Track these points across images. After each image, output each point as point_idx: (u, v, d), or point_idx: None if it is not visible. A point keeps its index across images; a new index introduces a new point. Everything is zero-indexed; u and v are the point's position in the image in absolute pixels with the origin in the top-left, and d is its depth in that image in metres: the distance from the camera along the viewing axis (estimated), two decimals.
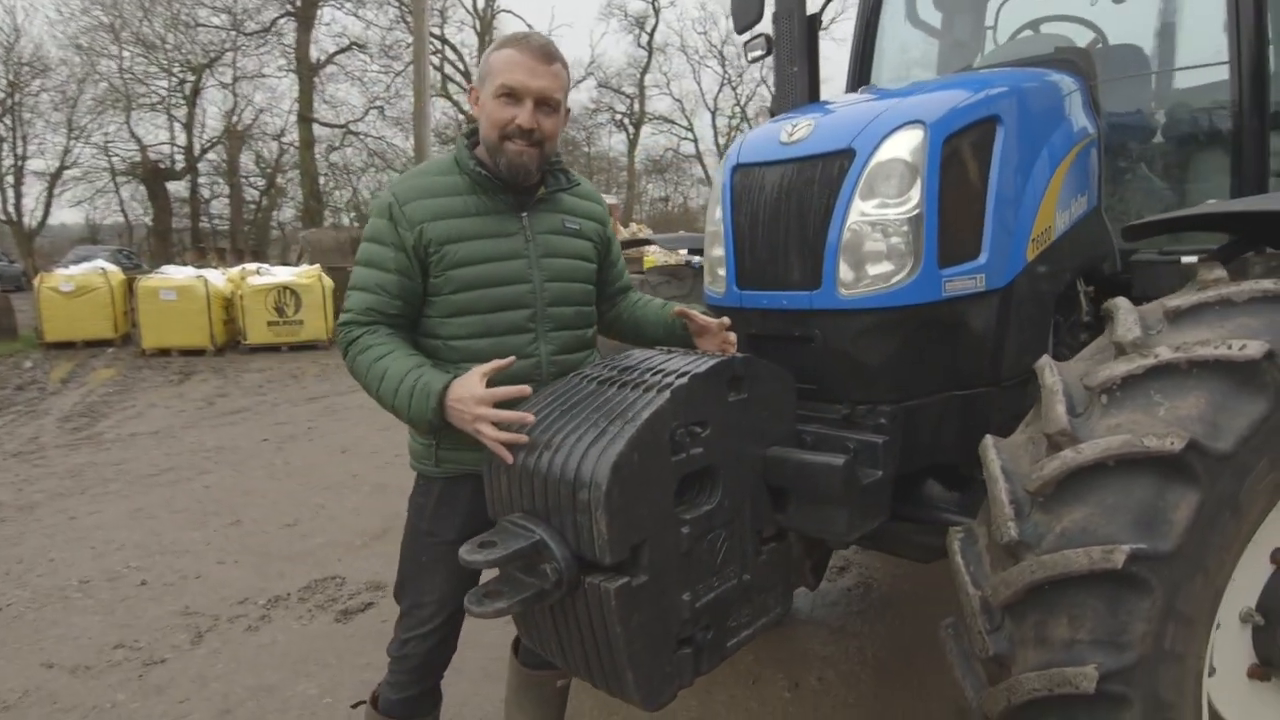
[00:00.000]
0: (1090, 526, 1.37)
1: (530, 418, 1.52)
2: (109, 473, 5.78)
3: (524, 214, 1.82)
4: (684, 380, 1.47)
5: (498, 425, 1.52)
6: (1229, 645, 1.58)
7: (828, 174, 1.83)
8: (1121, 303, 1.63)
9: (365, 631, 3.26)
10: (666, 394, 1.43)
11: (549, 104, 1.74)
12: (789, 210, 1.88)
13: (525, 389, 1.60)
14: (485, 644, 3.05)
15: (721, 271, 2.06)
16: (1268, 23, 2.47)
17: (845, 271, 1.80)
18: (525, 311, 1.79)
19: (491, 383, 1.59)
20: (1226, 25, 2.54)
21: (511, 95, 1.70)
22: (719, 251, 2.07)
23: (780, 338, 1.92)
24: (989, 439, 1.61)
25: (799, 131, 1.91)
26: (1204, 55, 2.99)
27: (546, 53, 1.72)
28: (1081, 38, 3.19)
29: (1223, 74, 2.61)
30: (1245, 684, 1.61)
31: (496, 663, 2.97)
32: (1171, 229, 1.84)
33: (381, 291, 1.73)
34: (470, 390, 1.55)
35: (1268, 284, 1.45)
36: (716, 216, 2.08)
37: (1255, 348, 1.33)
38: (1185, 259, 2.36)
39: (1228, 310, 1.47)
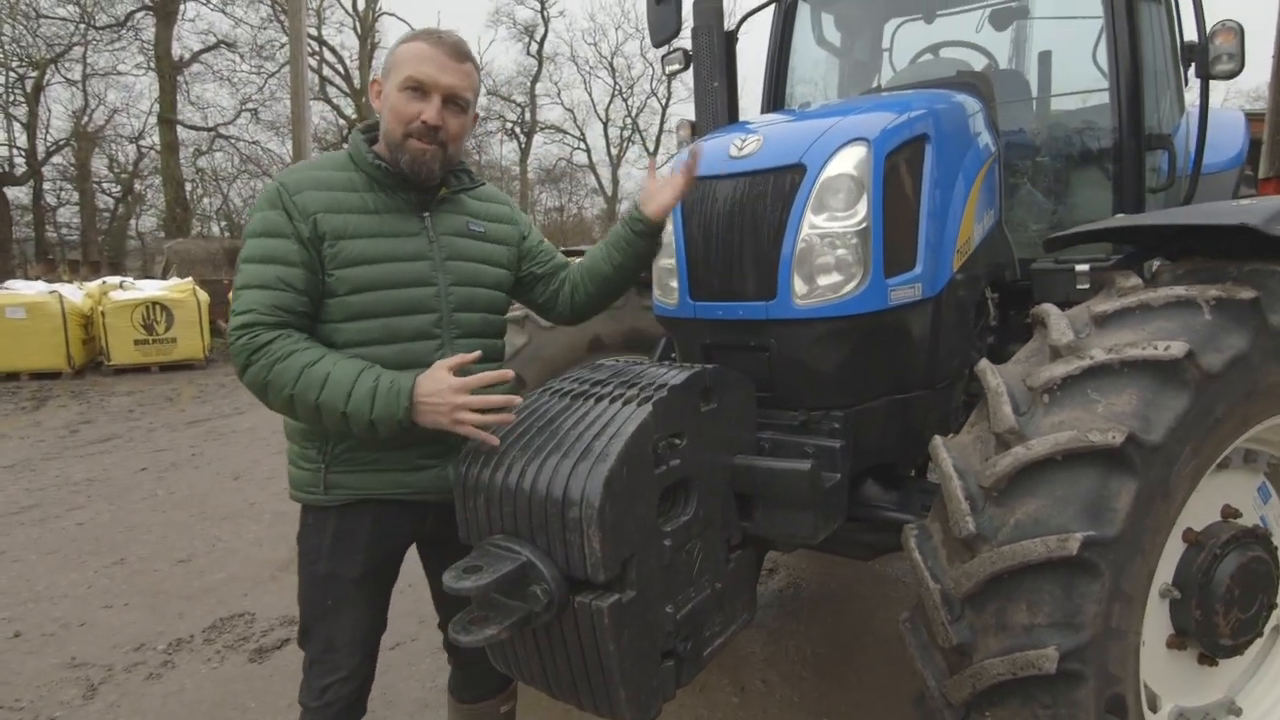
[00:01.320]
0: (1043, 517, 1.47)
1: (517, 399, 1.48)
2: None
3: (426, 214, 1.73)
4: (663, 392, 1.47)
5: (481, 412, 1.48)
6: (1151, 618, 1.73)
7: (779, 188, 1.88)
8: (1051, 309, 1.76)
9: (285, 670, 3.04)
10: (649, 406, 1.43)
11: (457, 102, 1.66)
12: (743, 223, 1.92)
13: (508, 373, 1.54)
14: (420, 673, 2.93)
15: (673, 283, 2.07)
16: (1142, 53, 2.74)
17: (799, 282, 1.86)
18: (430, 316, 1.69)
19: None
20: (1106, 55, 2.81)
21: (419, 89, 1.62)
22: (669, 263, 2.09)
23: (735, 347, 1.96)
24: (938, 439, 1.69)
25: (749, 146, 1.96)
26: (1078, 80, 3.30)
27: (459, 50, 1.66)
28: (975, 62, 3.44)
29: (1103, 99, 2.88)
30: (1165, 654, 1.78)
31: (432, 691, 2.85)
32: (1087, 240, 2.01)
33: (287, 287, 1.56)
34: (444, 382, 1.48)
35: (1180, 290, 1.62)
36: (667, 229, 2.09)
37: (1178, 347, 1.48)
38: (1079, 267, 2.58)
39: (1147, 314, 1.62)
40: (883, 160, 1.89)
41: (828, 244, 1.85)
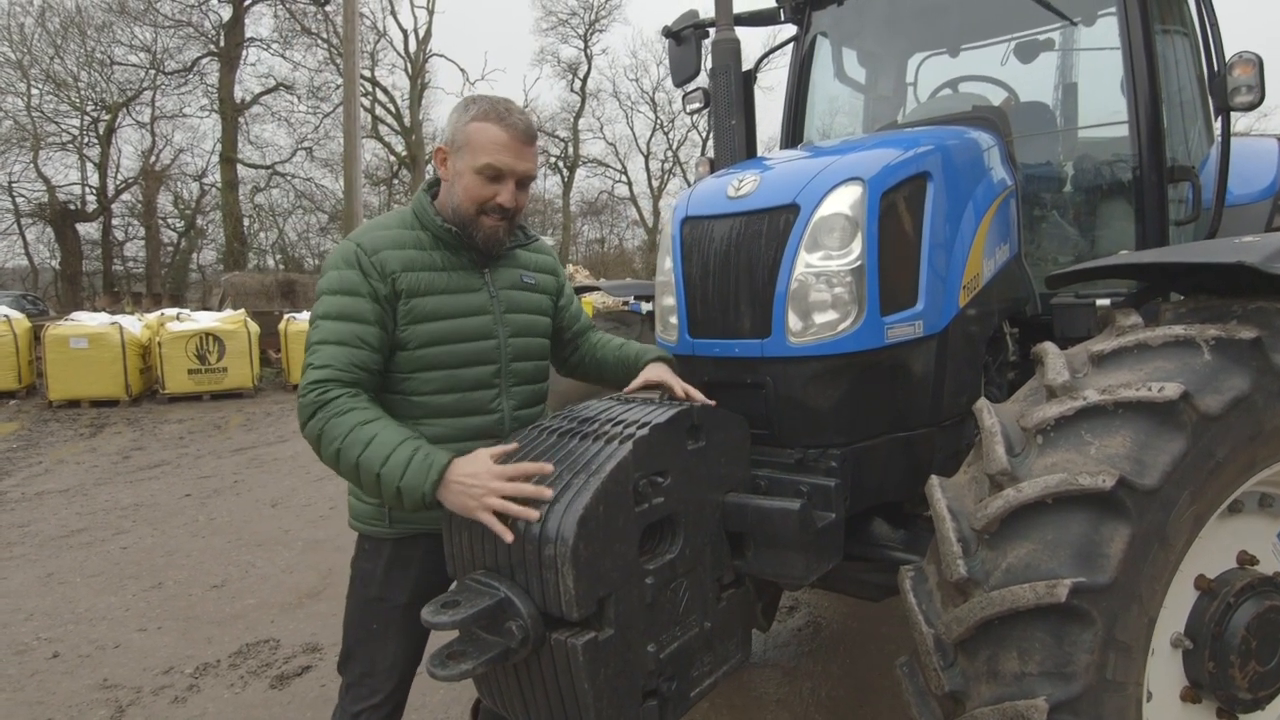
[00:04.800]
0: (1034, 562, 1.44)
1: (549, 492, 1.43)
2: (14, 535, 5.38)
3: (486, 270, 1.84)
4: (645, 431, 1.49)
5: (515, 500, 1.44)
6: (1162, 670, 1.67)
7: (774, 227, 1.90)
8: (1050, 348, 1.73)
9: (303, 698, 3.10)
10: (629, 445, 1.45)
11: (526, 182, 1.79)
12: (738, 262, 1.94)
13: (548, 466, 1.49)
14: (431, 705, 2.95)
15: (673, 320, 2.10)
16: (1161, 85, 2.70)
17: (794, 320, 1.87)
18: (490, 367, 1.79)
19: (459, 439, 1.58)
20: (1124, 87, 2.78)
21: (495, 175, 1.72)
22: (670, 301, 2.11)
23: (732, 385, 1.97)
24: (935, 479, 1.67)
25: (745, 186, 1.99)
26: (1104, 112, 3.26)
27: (529, 134, 1.77)
28: (995, 96, 3.42)
29: (1124, 131, 2.83)
30: (1179, 707, 1.70)
31: None
32: (1088, 278, 1.98)
33: (363, 345, 1.64)
34: (485, 465, 1.49)
35: (1179, 329, 1.58)
36: (667, 267, 2.13)
37: (1172, 389, 1.44)
38: (1100, 302, 2.53)
39: (1145, 354, 1.59)
40: (878, 199, 1.90)
41: (822, 282, 1.86)
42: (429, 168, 31.45)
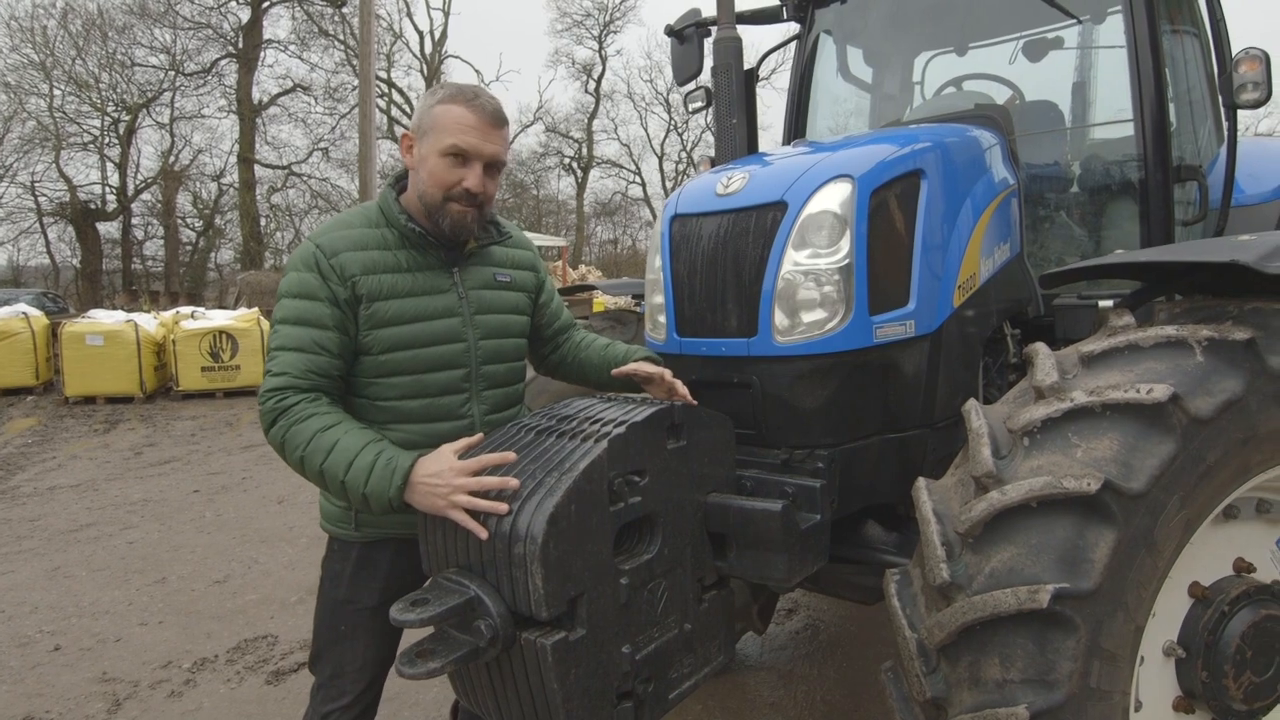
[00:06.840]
0: (1017, 566, 1.41)
1: (514, 482, 1.42)
2: (24, 529, 5.44)
3: (455, 269, 1.77)
4: (622, 429, 1.47)
5: (479, 494, 1.43)
6: (1154, 679, 1.63)
7: (761, 225, 1.88)
8: (1040, 348, 1.70)
9: (297, 694, 3.10)
10: (604, 443, 1.43)
11: (495, 167, 1.71)
12: (725, 260, 1.92)
13: (510, 455, 1.50)
14: (424, 703, 2.95)
15: (662, 319, 2.08)
16: (1167, 83, 2.65)
17: (780, 319, 1.84)
18: (460, 371, 1.74)
19: (429, 444, 1.54)
20: (1130, 86, 2.73)
21: (461, 157, 1.66)
22: (659, 299, 2.10)
23: (719, 384, 1.95)
24: (921, 481, 1.64)
25: (734, 184, 1.96)
26: (1112, 111, 3.21)
27: (498, 116, 1.69)
28: (1000, 95, 3.38)
29: (1129, 130, 2.79)
30: (1171, 717, 1.66)
31: None
32: (1084, 277, 1.94)
33: (322, 351, 1.59)
34: (448, 462, 1.47)
35: (1171, 330, 1.54)
36: (656, 265, 2.11)
37: (1161, 391, 1.41)
38: (1102, 303, 2.48)
39: (1136, 355, 1.55)
40: (868, 197, 1.87)
41: (809, 281, 1.83)
42: None
